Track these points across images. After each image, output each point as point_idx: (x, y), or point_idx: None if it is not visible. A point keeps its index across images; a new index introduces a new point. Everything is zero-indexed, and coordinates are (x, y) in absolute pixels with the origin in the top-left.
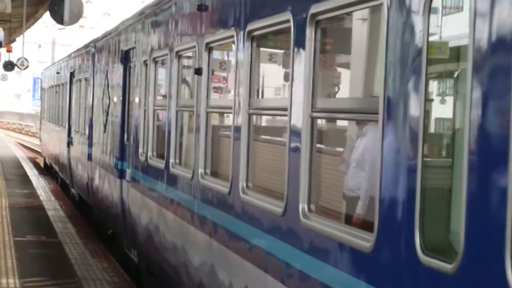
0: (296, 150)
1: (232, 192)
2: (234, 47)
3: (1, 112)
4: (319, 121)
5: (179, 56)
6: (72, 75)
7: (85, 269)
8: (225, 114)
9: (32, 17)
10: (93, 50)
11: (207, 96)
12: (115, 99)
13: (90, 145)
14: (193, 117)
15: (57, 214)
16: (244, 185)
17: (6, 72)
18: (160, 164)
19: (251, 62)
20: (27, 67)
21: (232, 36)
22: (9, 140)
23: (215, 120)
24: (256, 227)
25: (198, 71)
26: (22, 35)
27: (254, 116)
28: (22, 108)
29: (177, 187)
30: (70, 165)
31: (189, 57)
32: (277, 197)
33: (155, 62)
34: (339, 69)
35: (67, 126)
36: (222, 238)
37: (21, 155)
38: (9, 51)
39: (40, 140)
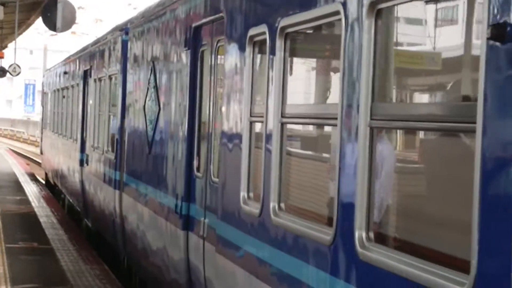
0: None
1: None
2: None
3: None
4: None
5: (378, 12)
6: (87, 73)
7: (77, 276)
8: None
9: (24, 24)
10: (124, 37)
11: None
12: (172, 106)
13: (119, 168)
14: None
15: (49, 220)
16: None
17: None
18: (316, 232)
19: None
20: (19, 73)
21: None
22: (0, 146)
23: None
24: None
25: None
26: (14, 41)
27: None
28: (14, 114)
29: None
30: (84, 189)
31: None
32: None
33: (287, 37)
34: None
35: (79, 140)
36: None
37: (13, 161)
38: (0, 57)
39: (42, 153)
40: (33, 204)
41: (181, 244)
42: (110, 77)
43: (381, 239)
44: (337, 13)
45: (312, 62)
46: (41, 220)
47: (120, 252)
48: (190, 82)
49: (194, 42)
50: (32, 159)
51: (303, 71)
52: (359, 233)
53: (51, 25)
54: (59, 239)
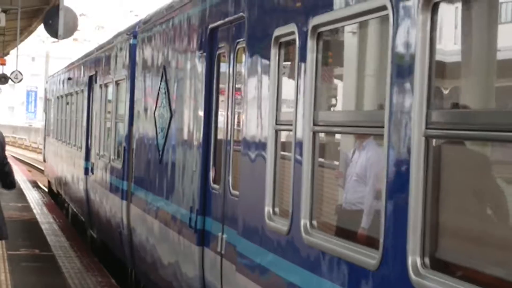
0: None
1: None
2: None
3: None
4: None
5: (435, 6)
6: (92, 79)
7: (79, 283)
8: None
9: (26, 31)
10: (132, 41)
11: None
12: (185, 113)
13: (126, 178)
14: None
15: (50, 227)
16: None
17: (0, 85)
18: (358, 254)
19: None
20: (21, 80)
21: None
22: None
23: None
24: None
25: None
26: (16, 48)
27: None
28: (16, 121)
29: None
30: (89, 199)
31: None
32: None
33: (320, 37)
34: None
35: (84, 147)
36: None
37: (15, 168)
38: (2, 64)
39: (44, 160)
40: (34, 211)
41: (196, 260)
42: (117, 83)
43: (439, 265)
44: (383, 8)
45: (350, 64)
46: (43, 227)
47: (128, 264)
48: (206, 88)
49: (210, 45)
50: (34, 166)
51: (339, 74)
52: (413, 258)
53: (53, 32)
54: (60, 246)
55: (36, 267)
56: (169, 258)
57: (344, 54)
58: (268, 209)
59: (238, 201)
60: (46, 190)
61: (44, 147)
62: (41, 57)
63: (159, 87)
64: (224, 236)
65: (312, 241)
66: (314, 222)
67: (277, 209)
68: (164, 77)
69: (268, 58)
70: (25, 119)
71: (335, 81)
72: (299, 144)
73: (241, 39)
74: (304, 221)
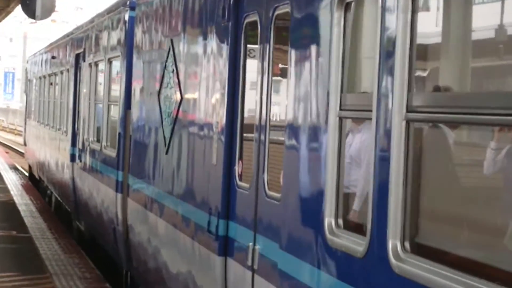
0: None
1: None
2: None
3: None
4: None
5: None
6: (80, 57)
7: (56, 265)
8: None
9: (4, 11)
10: (129, 13)
11: None
12: (201, 94)
13: (121, 168)
14: None
15: (28, 209)
16: None
17: None
18: None
19: None
20: None
21: None
22: None
23: None
24: None
25: None
26: None
27: None
28: None
29: None
30: (76, 188)
31: None
32: None
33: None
34: None
35: (70, 132)
36: None
37: None
38: None
39: (25, 144)
40: (12, 192)
41: (217, 273)
42: (109, 61)
43: None
44: None
45: (467, 27)
46: (20, 208)
47: (122, 265)
48: (230, 64)
49: (235, 12)
50: (11, 147)
51: (445, 42)
52: None
53: (30, 13)
54: (38, 227)
55: (13, 248)
56: (179, 266)
57: (454, 13)
58: (329, 220)
59: (279, 206)
60: (27, 175)
61: (25, 130)
62: (19, 38)
63: (165, 65)
64: (257, 247)
65: (406, 270)
66: (407, 244)
67: (341, 221)
68: (172, 52)
69: (329, 25)
70: (2, 100)
71: (441, 52)
72: (384, 137)
73: (282, 3)
74: (393, 242)
